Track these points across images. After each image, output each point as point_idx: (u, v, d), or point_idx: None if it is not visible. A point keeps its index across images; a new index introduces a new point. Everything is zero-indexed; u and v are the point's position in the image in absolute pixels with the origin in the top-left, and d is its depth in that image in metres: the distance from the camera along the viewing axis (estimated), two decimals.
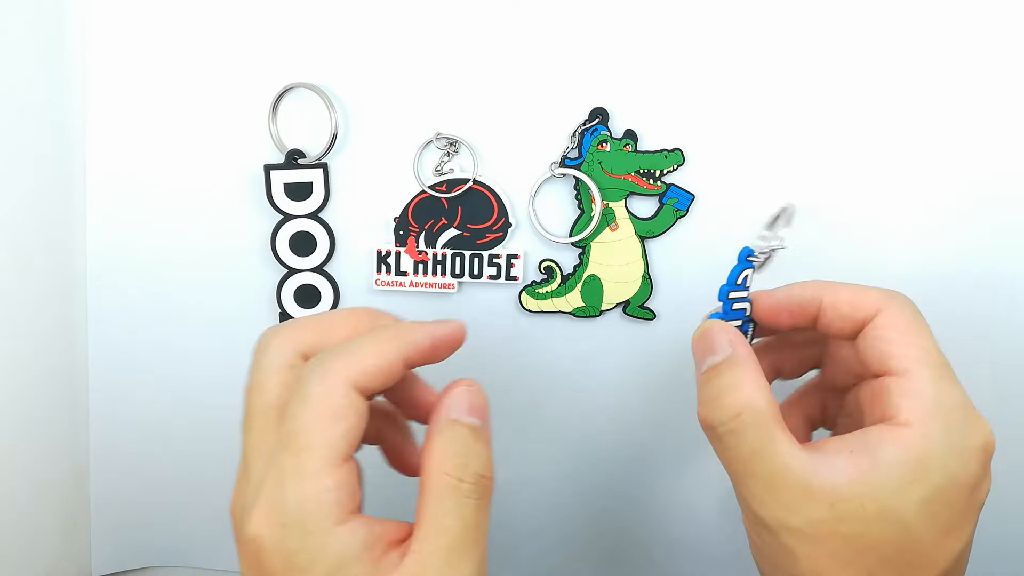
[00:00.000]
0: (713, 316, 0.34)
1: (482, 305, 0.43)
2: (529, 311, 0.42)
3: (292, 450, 0.27)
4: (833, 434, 0.35)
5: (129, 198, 0.43)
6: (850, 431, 0.29)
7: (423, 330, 0.30)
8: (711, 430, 0.30)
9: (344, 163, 0.42)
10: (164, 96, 0.42)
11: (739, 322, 0.33)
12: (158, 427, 0.46)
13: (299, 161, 0.41)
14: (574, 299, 0.42)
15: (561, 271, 0.42)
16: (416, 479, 0.29)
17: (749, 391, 0.29)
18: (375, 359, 0.28)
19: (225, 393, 0.45)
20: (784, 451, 0.28)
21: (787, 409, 0.36)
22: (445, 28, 0.40)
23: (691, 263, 0.41)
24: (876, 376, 0.30)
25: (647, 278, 0.41)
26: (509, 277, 0.42)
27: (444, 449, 0.28)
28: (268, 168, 0.42)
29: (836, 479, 0.27)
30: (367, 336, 0.29)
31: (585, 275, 0.42)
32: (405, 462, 0.35)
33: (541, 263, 0.42)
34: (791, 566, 0.28)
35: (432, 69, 0.40)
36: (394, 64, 0.41)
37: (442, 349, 0.31)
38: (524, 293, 0.42)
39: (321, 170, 0.42)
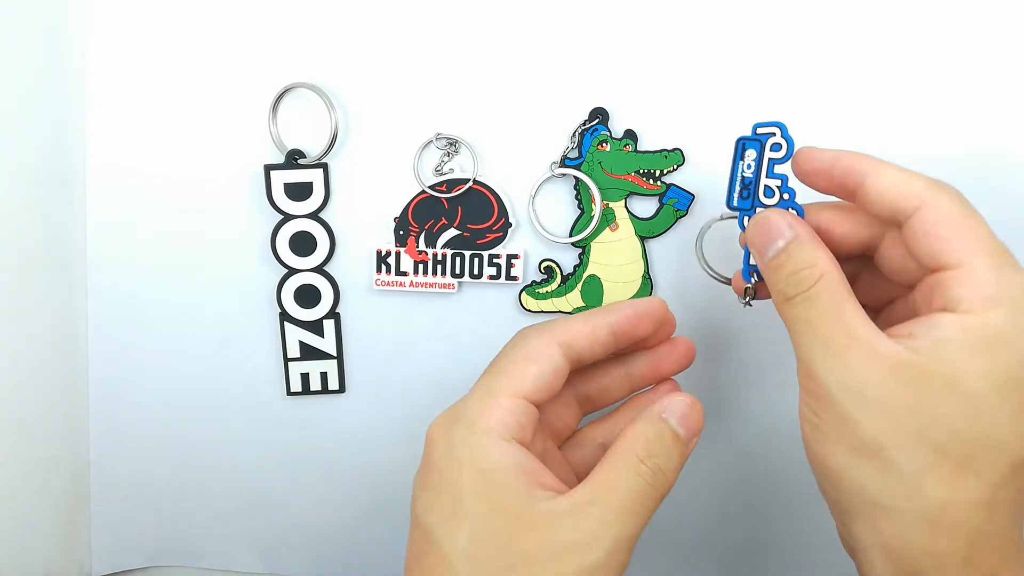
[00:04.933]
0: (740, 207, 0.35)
1: (482, 305, 0.43)
2: (529, 311, 0.42)
3: (488, 374, 0.32)
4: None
5: (129, 198, 0.43)
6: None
7: (628, 304, 0.35)
8: (787, 303, 0.30)
9: (344, 163, 0.42)
10: (164, 96, 0.42)
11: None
12: (158, 427, 0.46)
13: (299, 161, 0.41)
14: (574, 299, 0.42)
15: (561, 271, 0.42)
16: None
17: (824, 263, 0.30)
18: (582, 324, 0.33)
19: (225, 392, 0.45)
20: (853, 315, 0.29)
21: None
22: (445, 28, 0.40)
23: (691, 263, 0.41)
24: (931, 272, 0.29)
25: (647, 278, 0.41)
26: (509, 277, 0.42)
27: (641, 434, 0.31)
28: (268, 168, 0.42)
29: (899, 347, 0.27)
30: (585, 311, 0.35)
31: (585, 275, 0.42)
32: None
33: (541, 263, 0.42)
34: (857, 438, 0.28)
35: (432, 69, 0.40)
36: (394, 64, 0.41)
37: (645, 320, 0.35)
38: (524, 293, 0.42)
39: (321, 170, 0.42)
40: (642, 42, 0.39)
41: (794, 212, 0.33)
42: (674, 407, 0.32)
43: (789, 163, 0.33)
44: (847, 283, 0.30)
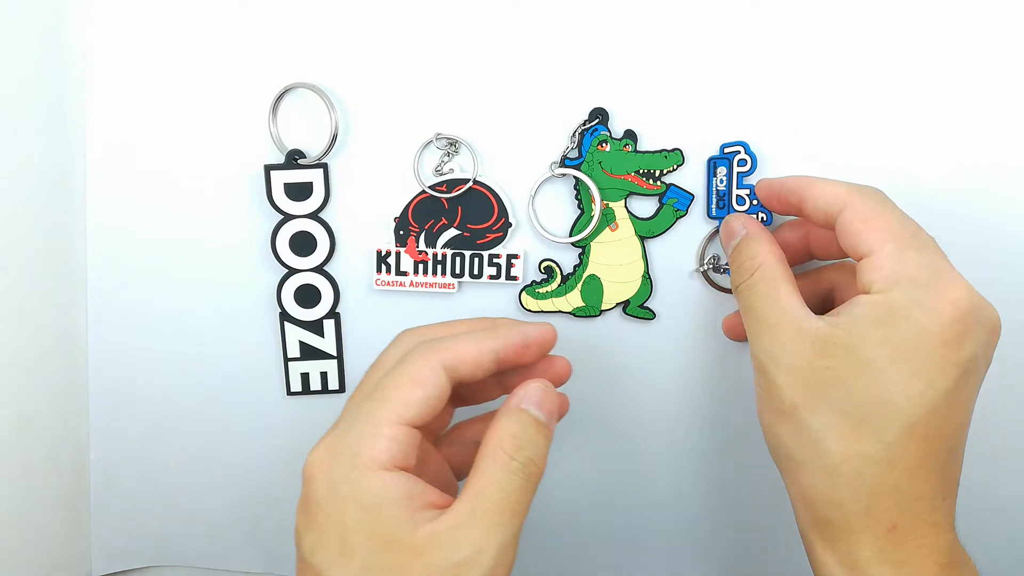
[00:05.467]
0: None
1: (482, 305, 0.43)
2: (529, 311, 0.42)
3: (372, 399, 0.31)
4: None
5: (129, 198, 0.43)
6: None
7: (517, 329, 0.34)
8: (736, 291, 0.36)
9: (344, 163, 0.42)
10: (164, 96, 0.42)
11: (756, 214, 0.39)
12: (158, 427, 0.46)
13: (299, 161, 0.41)
14: (574, 299, 0.42)
15: (561, 271, 0.42)
16: None
17: (763, 255, 0.35)
18: (468, 347, 0.32)
19: (225, 392, 0.45)
20: (786, 299, 0.33)
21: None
22: (445, 28, 0.40)
23: (691, 263, 0.41)
24: (856, 261, 0.33)
25: (647, 278, 0.42)
26: (509, 277, 0.42)
27: (505, 430, 0.31)
28: (268, 168, 0.42)
29: (821, 324, 0.32)
30: (471, 331, 0.34)
31: (585, 275, 0.42)
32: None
33: (541, 263, 0.42)
34: (778, 400, 0.32)
35: (432, 69, 0.40)
36: (394, 64, 0.41)
37: (532, 348, 0.34)
38: (524, 293, 0.42)
39: (321, 170, 0.42)
40: (642, 42, 0.39)
41: (754, 216, 0.39)
42: (530, 395, 0.32)
43: (755, 176, 0.39)
44: (787, 272, 0.34)
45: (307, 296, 0.43)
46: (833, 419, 0.31)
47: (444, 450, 0.38)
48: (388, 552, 0.29)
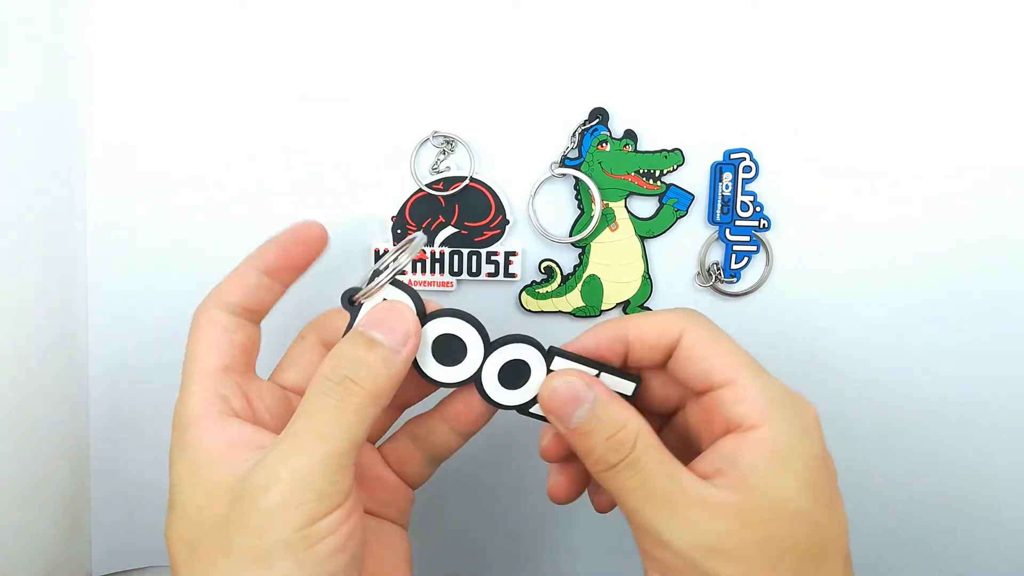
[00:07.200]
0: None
1: (481, 303, 0.43)
2: (529, 311, 0.42)
3: (183, 371, 0.32)
4: None
5: (129, 198, 0.43)
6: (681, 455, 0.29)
7: (274, 239, 0.33)
8: (610, 471, 0.29)
9: (341, 162, 0.42)
10: (164, 97, 0.41)
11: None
12: (159, 427, 0.45)
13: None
14: (574, 299, 0.42)
15: (561, 271, 0.42)
16: None
17: (634, 420, 0.29)
18: (230, 277, 0.33)
19: None
20: (676, 469, 0.28)
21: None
22: (444, 27, 0.40)
23: (691, 263, 0.41)
24: (700, 393, 0.30)
25: (647, 278, 0.41)
26: (507, 274, 0.42)
27: (330, 355, 0.30)
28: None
29: (721, 491, 0.27)
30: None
31: (585, 275, 0.42)
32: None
33: (541, 263, 0.42)
34: None
35: (433, 69, 0.40)
36: (391, 63, 0.40)
37: (295, 248, 0.33)
38: (524, 293, 0.42)
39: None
40: (642, 42, 0.39)
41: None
42: (370, 316, 0.30)
43: (758, 181, 0.39)
44: (654, 434, 0.29)
45: None
46: None
47: (384, 449, 0.36)
48: (206, 495, 0.28)
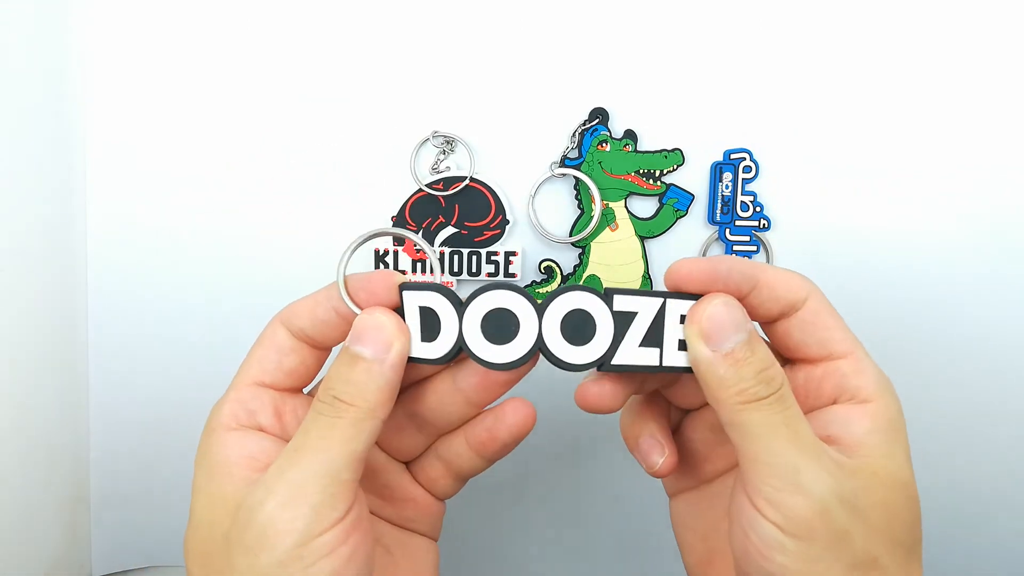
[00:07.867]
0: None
1: None
2: None
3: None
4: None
5: (129, 198, 0.43)
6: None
7: (359, 276, 0.31)
8: (754, 403, 0.27)
9: (341, 162, 0.42)
10: (164, 97, 0.41)
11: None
12: (159, 426, 0.46)
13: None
14: None
15: (561, 271, 0.42)
16: None
17: (777, 364, 0.28)
18: (304, 300, 0.32)
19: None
20: (805, 424, 0.28)
21: (645, 412, 0.33)
22: (444, 27, 0.40)
23: None
24: (809, 360, 0.30)
25: (647, 278, 0.41)
26: (507, 274, 0.42)
27: (326, 375, 0.30)
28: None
29: (840, 456, 0.27)
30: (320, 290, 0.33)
31: (585, 275, 0.42)
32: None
33: (541, 263, 0.42)
34: (847, 550, 0.26)
35: (433, 69, 0.40)
36: (391, 63, 0.40)
37: (371, 285, 0.30)
38: None
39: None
40: (642, 42, 0.39)
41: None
42: (352, 331, 0.30)
43: (758, 181, 0.40)
44: None
45: None
46: (903, 557, 0.27)
47: (415, 471, 0.35)
48: (217, 509, 0.28)
